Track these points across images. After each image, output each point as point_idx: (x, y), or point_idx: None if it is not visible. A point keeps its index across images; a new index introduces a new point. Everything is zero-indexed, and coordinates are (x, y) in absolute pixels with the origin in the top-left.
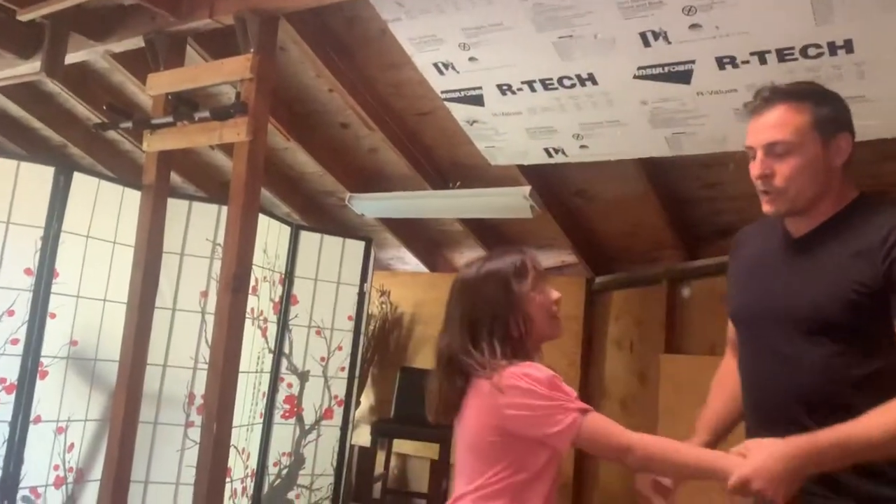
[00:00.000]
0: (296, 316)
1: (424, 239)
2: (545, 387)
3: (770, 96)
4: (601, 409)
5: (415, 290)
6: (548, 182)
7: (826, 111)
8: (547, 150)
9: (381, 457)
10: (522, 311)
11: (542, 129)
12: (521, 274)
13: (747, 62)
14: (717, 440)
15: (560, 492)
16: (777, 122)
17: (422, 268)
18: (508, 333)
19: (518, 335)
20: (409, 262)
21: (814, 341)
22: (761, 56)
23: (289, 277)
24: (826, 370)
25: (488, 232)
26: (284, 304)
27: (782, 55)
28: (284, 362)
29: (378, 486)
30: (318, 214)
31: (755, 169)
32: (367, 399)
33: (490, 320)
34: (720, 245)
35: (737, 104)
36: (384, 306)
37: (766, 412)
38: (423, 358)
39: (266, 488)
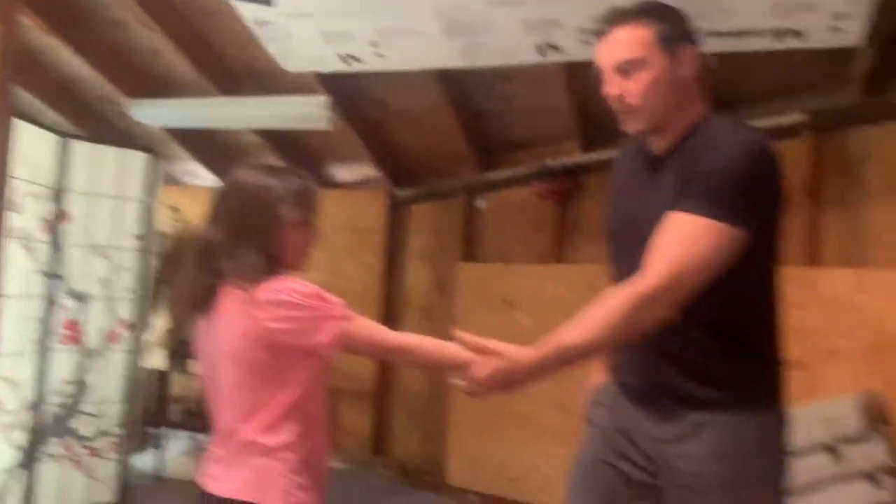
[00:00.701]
0: (71, 234)
1: (217, 151)
2: (309, 298)
3: (613, 18)
4: (404, 318)
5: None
6: (347, 93)
7: (667, 25)
8: (343, 58)
9: (178, 380)
10: (283, 238)
11: (337, 33)
12: (297, 204)
13: None
14: None
15: (361, 400)
16: (622, 42)
17: (216, 182)
18: (269, 250)
19: (276, 255)
20: (201, 176)
21: None
22: None
23: (60, 193)
24: None
25: (286, 144)
26: (57, 222)
27: None
28: (61, 284)
29: (176, 409)
30: (95, 123)
31: (608, 89)
32: (161, 321)
33: (254, 232)
34: (513, 157)
35: (527, 16)
36: (175, 224)
37: None
38: None
39: (46, 418)
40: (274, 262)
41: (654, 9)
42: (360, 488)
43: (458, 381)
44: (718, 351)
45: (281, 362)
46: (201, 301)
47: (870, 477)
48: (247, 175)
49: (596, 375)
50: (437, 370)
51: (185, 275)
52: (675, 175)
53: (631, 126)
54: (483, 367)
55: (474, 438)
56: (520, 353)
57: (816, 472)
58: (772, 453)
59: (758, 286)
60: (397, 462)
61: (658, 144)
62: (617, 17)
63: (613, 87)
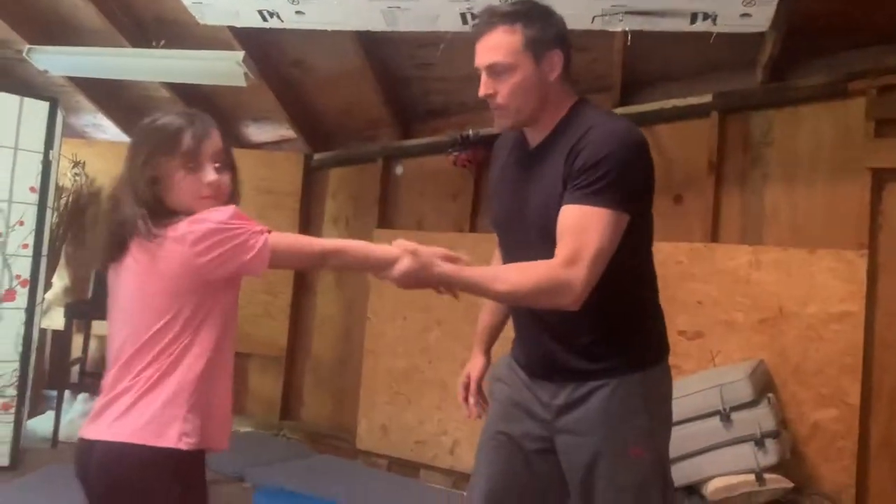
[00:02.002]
0: None
1: (125, 104)
2: (228, 220)
3: (488, 19)
4: (317, 282)
5: (115, 161)
6: (264, 49)
7: (536, 31)
8: (261, 13)
9: (79, 341)
10: (168, 184)
11: None
12: (172, 146)
13: None
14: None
15: (272, 366)
16: (494, 45)
17: (122, 137)
18: (161, 198)
19: (169, 202)
20: (107, 130)
21: (543, 244)
22: None
23: None
24: None
25: (198, 100)
26: None
27: None
28: None
29: (76, 370)
30: None
31: (481, 89)
32: (60, 280)
33: (145, 181)
34: (431, 125)
35: None
36: (78, 178)
37: (517, 312)
38: None
39: None
40: (163, 203)
41: (527, 12)
42: (268, 452)
43: (383, 276)
44: (602, 328)
45: (203, 296)
46: (110, 253)
47: (757, 441)
48: (143, 122)
49: (475, 359)
50: (366, 268)
51: (101, 229)
52: (553, 167)
53: (500, 123)
54: (403, 264)
55: (384, 404)
56: (438, 264)
57: (708, 436)
58: (655, 412)
59: (636, 264)
60: (306, 427)
61: (532, 137)
62: (491, 19)
63: (484, 86)
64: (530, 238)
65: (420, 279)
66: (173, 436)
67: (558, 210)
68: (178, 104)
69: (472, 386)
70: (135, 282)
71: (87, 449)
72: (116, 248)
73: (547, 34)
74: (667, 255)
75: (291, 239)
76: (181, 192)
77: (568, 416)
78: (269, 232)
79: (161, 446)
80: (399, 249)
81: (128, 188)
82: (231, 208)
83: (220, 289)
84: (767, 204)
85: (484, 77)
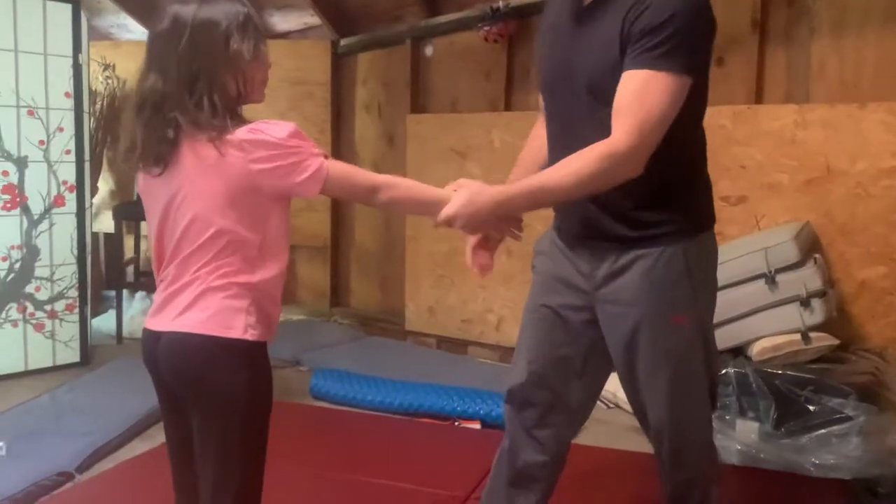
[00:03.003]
0: None
1: (145, 1)
2: (288, 137)
3: None
4: None
5: None
6: None
7: None
8: None
9: (130, 241)
10: (241, 72)
11: None
12: (244, 30)
13: None
14: None
15: (318, 256)
16: None
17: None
18: (227, 92)
19: (236, 95)
20: (133, 29)
21: (594, 104)
22: None
23: None
24: (603, 131)
25: None
26: None
27: None
28: None
29: (130, 270)
30: None
31: None
32: (105, 184)
33: (208, 75)
34: (460, 0)
35: None
36: (110, 81)
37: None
38: None
39: (0, 285)
40: (234, 102)
41: None
42: (321, 337)
43: (437, 222)
44: (647, 193)
45: (257, 205)
46: (159, 159)
47: (803, 301)
48: (183, 10)
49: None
50: (418, 208)
51: (132, 129)
52: (610, 25)
53: None
54: (452, 203)
55: (429, 287)
56: (485, 187)
57: (754, 299)
58: (699, 281)
59: (689, 129)
60: (356, 312)
61: None
62: None
63: None
64: (580, 98)
65: (476, 213)
66: (240, 327)
67: (612, 71)
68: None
69: (469, 245)
70: (190, 181)
71: (153, 339)
72: (167, 147)
73: None
74: (708, 119)
75: (347, 168)
76: (250, 80)
77: (610, 285)
78: (327, 158)
79: (229, 336)
80: (452, 190)
81: (184, 84)
82: (291, 125)
83: (273, 200)
84: (814, 60)
85: None
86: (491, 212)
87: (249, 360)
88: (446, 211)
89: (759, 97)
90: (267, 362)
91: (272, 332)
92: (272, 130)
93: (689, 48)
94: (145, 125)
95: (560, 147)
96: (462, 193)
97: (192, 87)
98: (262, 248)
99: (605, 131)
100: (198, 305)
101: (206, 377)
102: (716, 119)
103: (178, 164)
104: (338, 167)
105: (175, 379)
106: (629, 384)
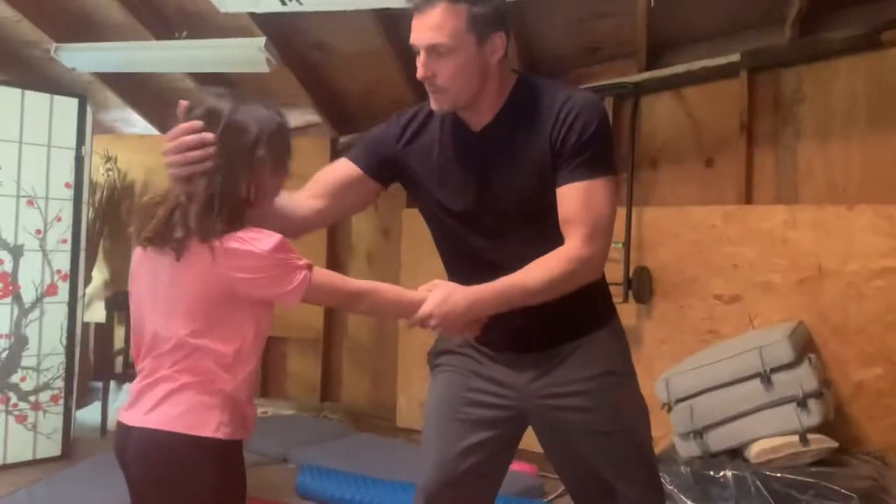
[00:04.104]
0: (1, 185)
1: (151, 97)
2: (274, 249)
3: None
4: (348, 264)
5: (145, 154)
6: (285, 34)
7: (480, 12)
8: None
9: (121, 332)
10: (258, 179)
11: None
12: (273, 141)
13: None
14: None
15: (310, 348)
16: (436, 24)
17: (151, 129)
18: (237, 195)
19: (244, 200)
20: (136, 123)
21: (524, 225)
22: None
23: None
24: (537, 249)
25: (223, 87)
26: None
27: None
28: None
29: (120, 361)
30: (21, 68)
31: (419, 70)
32: (100, 274)
33: (225, 175)
34: None
35: None
36: (111, 173)
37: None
38: None
39: None
40: (241, 206)
41: None
42: (310, 432)
43: (412, 322)
44: (577, 291)
45: (237, 310)
46: (163, 239)
47: (799, 402)
48: (219, 105)
49: None
50: (396, 311)
51: (150, 204)
52: (526, 147)
53: (439, 104)
54: (428, 303)
55: (421, 379)
56: (458, 287)
57: (750, 399)
58: (628, 358)
59: None
60: (346, 407)
61: (473, 120)
62: None
63: (423, 67)
64: (508, 218)
65: (450, 313)
66: (211, 425)
67: (545, 186)
68: (203, 93)
69: None
70: (181, 275)
71: (125, 434)
72: (173, 238)
73: (490, 15)
74: (700, 219)
75: (330, 277)
76: (265, 191)
77: (545, 379)
78: (311, 269)
79: (199, 435)
80: (426, 291)
81: (207, 182)
82: (277, 237)
83: (253, 305)
84: (801, 162)
85: (423, 57)
86: (465, 311)
87: (220, 459)
88: (422, 310)
89: (748, 197)
90: (240, 462)
91: (248, 431)
92: (258, 243)
93: (610, 152)
94: (161, 210)
95: (481, 266)
96: (437, 293)
97: (209, 182)
98: (236, 355)
99: (540, 243)
100: (169, 401)
101: (174, 476)
102: (707, 219)
103: (173, 251)
104: (320, 277)
105: (141, 477)
106: (572, 465)
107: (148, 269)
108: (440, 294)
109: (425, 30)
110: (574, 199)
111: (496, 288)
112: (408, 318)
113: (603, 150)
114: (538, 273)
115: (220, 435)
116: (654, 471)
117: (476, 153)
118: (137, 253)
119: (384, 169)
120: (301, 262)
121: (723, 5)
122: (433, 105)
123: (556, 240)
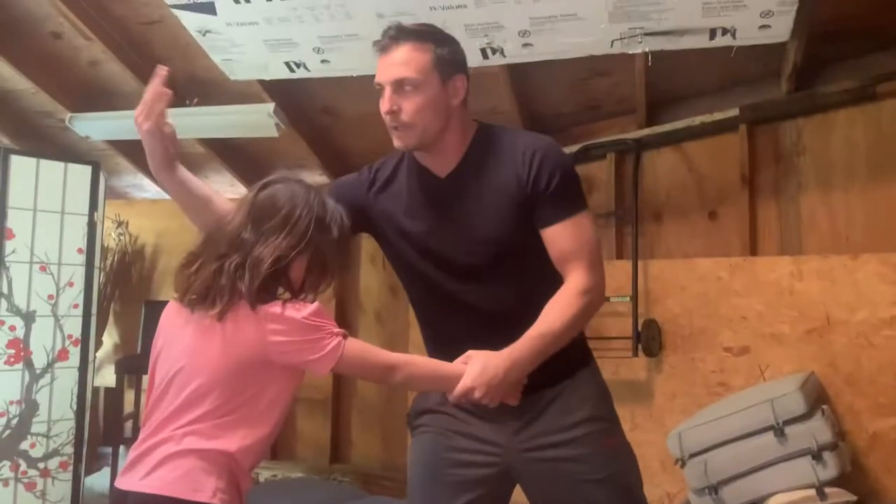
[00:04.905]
0: (13, 251)
1: None
2: (310, 316)
3: (396, 34)
4: (357, 322)
5: (156, 219)
6: (293, 99)
7: (445, 52)
8: (288, 65)
9: (131, 396)
10: (312, 261)
11: (281, 41)
12: (332, 228)
13: None
14: None
15: (321, 407)
16: (403, 61)
17: (163, 195)
18: (291, 273)
19: (295, 279)
20: (147, 189)
21: (497, 270)
22: None
23: (1, 210)
24: (512, 289)
25: (233, 153)
26: None
27: None
28: (4, 303)
29: (129, 426)
30: (36, 138)
31: (384, 105)
32: (110, 338)
33: (286, 252)
34: None
35: (469, 20)
36: (122, 238)
37: (449, 341)
38: (169, 291)
39: None
40: (287, 284)
41: (435, 33)
42: (320, 496)
43: (456, 397)
44: None
45: (263, 375)
46: (208, 301)
47: (814, 454)
48: (294, 189)
49: None
50: (434, 384)
51: (198, 265)
52: (498, 190)
53: (401, 142)
54: (467, 375)
55: None
56: (493, 353)
57: (763, 453)
58: (608, 400)
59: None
60: (357, 468)
61: (437, 166)
62: (400, 35)
63: (388, 101)
64: (482, 260)
65: (492, 380)
66: (209, 490)
67: (516, 227)
68: (213, 158)
69: None
70: (202, 339)
71: (120, 499)
72: (208, 300)
73: (454, 57)
74: (706, 270)
75: (364, 348)
76: (298, 271)
77: (528, 430)
78: (346, 337)
79: (196, 500)
80: (462, 363)
81: (264, 247)
82: (315, 305)
83: (282, 374)
84: (805, 213)
85: (388, 93)
86: (506, 375)
87: None
88: (463, 384)
89: (753, 249)
90: None
91: (242, 502)
92: (297, 308)
93: (580, 186)
94: (213, 268)
95: (457, 310)
96: (474, 365)
97: (267, 254)
98: (245, 417)
99: (513, 283)
100: (167, 465)
101: None
102: (713, 270)
103: (216, 313)
104: (355, 347)
105: None
106: None
107: (179, 324)
108: (478, 364)
109: (393, 66)
110: (565, 237)
111: (527, 344)
112: (448, 391)
113: (576, 187)
114: (559, 315)
115: (217, 501)
116: None
117: (445, 199)
118: (171, 308)
119: (352, 216)
120: (336, 330)
121: (719, 62)
122: (396, 143)
123: (528, 279)
